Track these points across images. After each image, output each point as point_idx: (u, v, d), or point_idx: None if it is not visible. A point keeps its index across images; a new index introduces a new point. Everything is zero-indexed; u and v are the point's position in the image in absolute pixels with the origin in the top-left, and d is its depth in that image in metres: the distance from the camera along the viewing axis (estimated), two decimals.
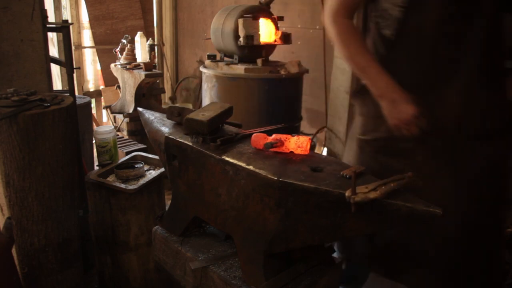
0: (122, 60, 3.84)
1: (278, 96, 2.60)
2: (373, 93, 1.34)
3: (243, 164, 1.14)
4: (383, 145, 1.42)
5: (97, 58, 5.10)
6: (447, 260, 1.42)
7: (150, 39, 4.11)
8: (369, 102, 1.41)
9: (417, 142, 1.33)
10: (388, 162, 1.40)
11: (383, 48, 1.38)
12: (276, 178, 1.04)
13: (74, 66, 2.16)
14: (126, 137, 3.47)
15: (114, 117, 3.85)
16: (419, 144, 1.34)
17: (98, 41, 4.96)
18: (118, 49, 3.93)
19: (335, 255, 1.79)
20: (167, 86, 5.18)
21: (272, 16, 2.65)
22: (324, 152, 3.46)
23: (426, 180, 1.33)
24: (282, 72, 2.59)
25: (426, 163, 1.35)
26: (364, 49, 1.35)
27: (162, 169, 2.06)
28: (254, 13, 2.54)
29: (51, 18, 4.11)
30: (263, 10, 2.64)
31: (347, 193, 0.92)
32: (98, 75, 5.37)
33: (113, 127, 2.34)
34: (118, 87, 3.91)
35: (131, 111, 3.58)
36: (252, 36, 2.50)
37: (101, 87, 5.22)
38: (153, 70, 3.56)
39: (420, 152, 1.36)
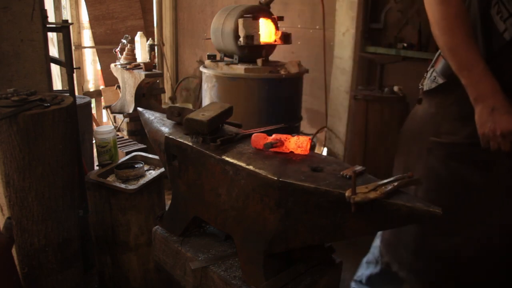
0: (122, 60, 3.84)
1: (278, 96, 2.60)
2: (470, 95, 1.17)
3: (243, 164, 1.14)
4: (460, 151, 1.28)
5: (97, 58, 5.10)
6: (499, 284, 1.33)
7: (150, 39, 4.11)
8: (451, 102, 1.29)
9: (501, 154, 1.19)
10: (461, 170, 1.28)
11: (493, 45, 1.20)
12: (276, 178, 1.04)
13: (74, 66, 2.16)
14: (126, 137, 3.47)
15: (114, 117, 3.85)
16: (503, 156, 1.20)
17: (98, 41, 4.96)
18: (118, 49, 3.93)
19: (372, 255, 1.69)
20: (167, 86, 5.18)
21: (272, 16, 2.66)
22: (324, 152, 3.47)
23: (504, 196, 1.25)
24: (282, 72, 2.59)
25: (506, 177, 1.23)
26: (472, 43, 1.15)
27: (162, 169, 2.06)
28: (254, 13, 2.54)
29: (51, 18, 4.11)
30: (263, 10, 2.65)
31: (347, 193, 0.92)
32: (98, 75, 5.37)
33: (113, 127, 2.34)
34: (118, 87, 3.91)
35: (131, 111, 3.58)
36: (252, 36, 2.50)
37: (101, 87, 5.22)
38: (153, 70, 3.56)
39: (502, 165, 1.23)
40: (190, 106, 4.66)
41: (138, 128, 3.55)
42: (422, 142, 1.38)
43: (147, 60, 3.74)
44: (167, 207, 1.52)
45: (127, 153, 2.42)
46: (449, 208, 1.28)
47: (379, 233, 1.70)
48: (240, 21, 2.49)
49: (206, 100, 2.81)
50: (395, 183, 0.93)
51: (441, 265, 1.38)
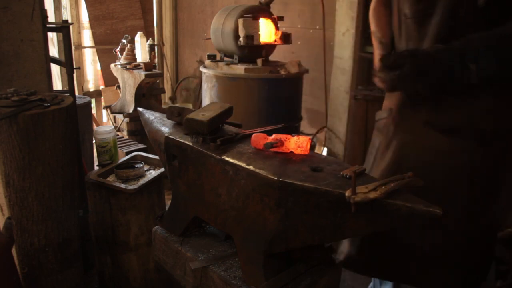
0: (122, 60, 3.84)
1: (278, 96, 2.60)
2: None
3: (243, 164, 1.14)
4: (379, 123, 1.64)
5: (97, 58, 5.10)
6: (445, 257, 1.41)
7: (150, 39, 4.11)
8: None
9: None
10: (377, 138, 1.63)
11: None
12: (276, 178, 1.04)
13: (74, 66, 2.16)
14: (126, 137, 3.47)
15: (114, 117, 3.85)
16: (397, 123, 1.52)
17: (98, 41, 4.96)
18: (118, 49, 3.93)
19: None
20: (167, 86, 5.18)
21: (272, 16, 2.65)
22: (324, 152, 3.46)
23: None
24: (282, 72, 2.59)
25: (395, 138, 1.51)
26: (380, 22, 1.68)
27: (162, 169, 2.06)
28: (254, 13, 2.53)
29: (51, 18, 4.11)
30: (263, 10, 2.64)
31: (347, 193, 0.92)
32: (98, 75, 5.37)
33: (113, 127, 2.34)
34: (118, 87, 3.91)
35: (131, 111, 3.58)
36: (252, 36, 2.50)
37: (101, 87, 5.22)
38: (153, 70, 3.56)
39: (395, 130, 1.52)
40: (190, 106, 4.66)
41: (138, 128, 3.55)
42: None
43: (147, 60, 3.74)
44: (167, 207, 1.52)
45: (127, 153, 2.42)
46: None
47: None
48: (240, 21, 2.49)
49: (206, 100, 2.81)
50: (395, 183, 0.93)
51: (360, 241, 1.51)
